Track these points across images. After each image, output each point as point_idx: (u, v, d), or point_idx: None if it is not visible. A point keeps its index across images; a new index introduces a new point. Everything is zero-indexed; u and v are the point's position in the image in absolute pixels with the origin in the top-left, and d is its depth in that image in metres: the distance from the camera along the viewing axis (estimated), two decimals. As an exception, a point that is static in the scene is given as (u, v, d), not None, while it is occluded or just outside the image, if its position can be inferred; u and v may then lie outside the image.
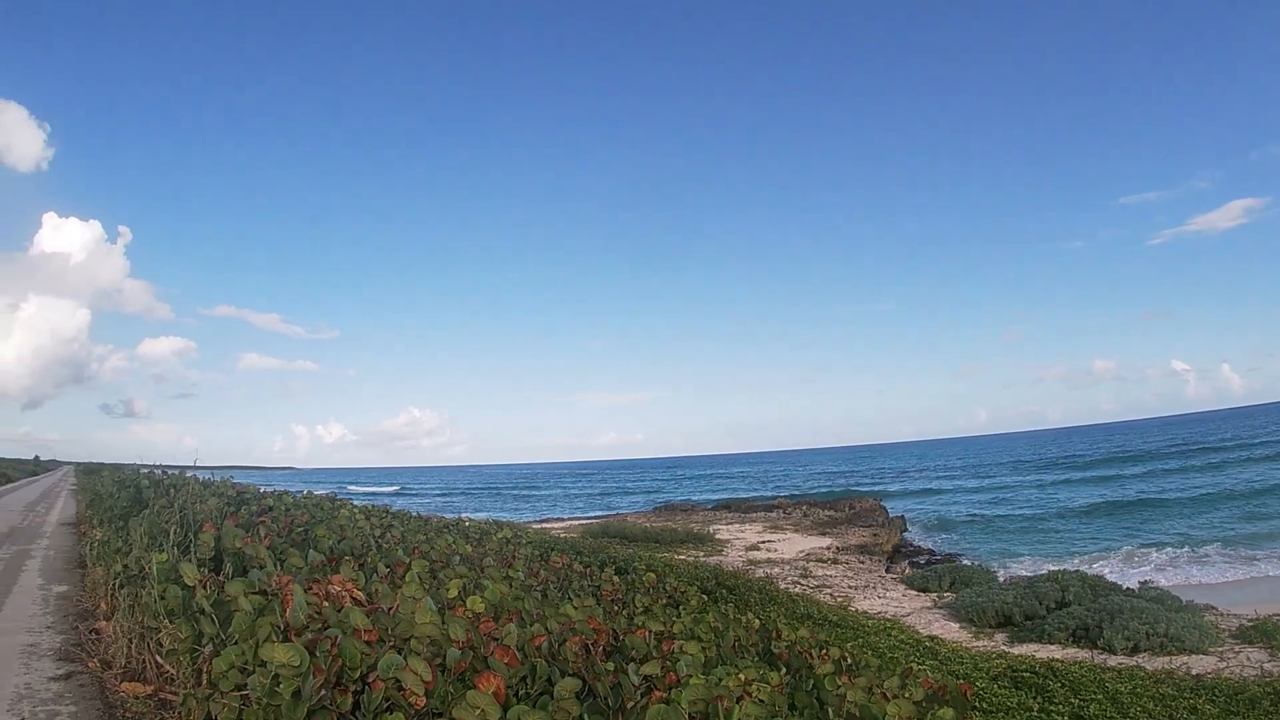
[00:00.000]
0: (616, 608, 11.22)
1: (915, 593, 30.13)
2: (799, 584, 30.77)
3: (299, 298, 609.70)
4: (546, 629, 6.31)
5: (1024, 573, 34.57)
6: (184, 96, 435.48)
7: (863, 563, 38.12)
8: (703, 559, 35.65)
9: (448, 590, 7.38)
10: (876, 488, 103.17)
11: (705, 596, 18.03)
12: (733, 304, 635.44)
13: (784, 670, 7.54)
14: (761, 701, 5.28)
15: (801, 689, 6.52)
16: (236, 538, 8.06)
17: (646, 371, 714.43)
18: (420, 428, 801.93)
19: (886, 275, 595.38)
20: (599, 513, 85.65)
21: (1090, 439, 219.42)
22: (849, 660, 9.46)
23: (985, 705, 14.37)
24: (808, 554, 40.22)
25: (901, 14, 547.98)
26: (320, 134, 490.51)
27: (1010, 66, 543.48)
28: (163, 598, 6.51)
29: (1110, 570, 35.60)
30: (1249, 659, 18.83)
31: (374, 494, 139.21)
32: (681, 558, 34.03)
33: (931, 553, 45.89)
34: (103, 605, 10.42)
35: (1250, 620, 22.12)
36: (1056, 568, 32.61)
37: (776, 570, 34.19)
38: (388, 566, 8.96)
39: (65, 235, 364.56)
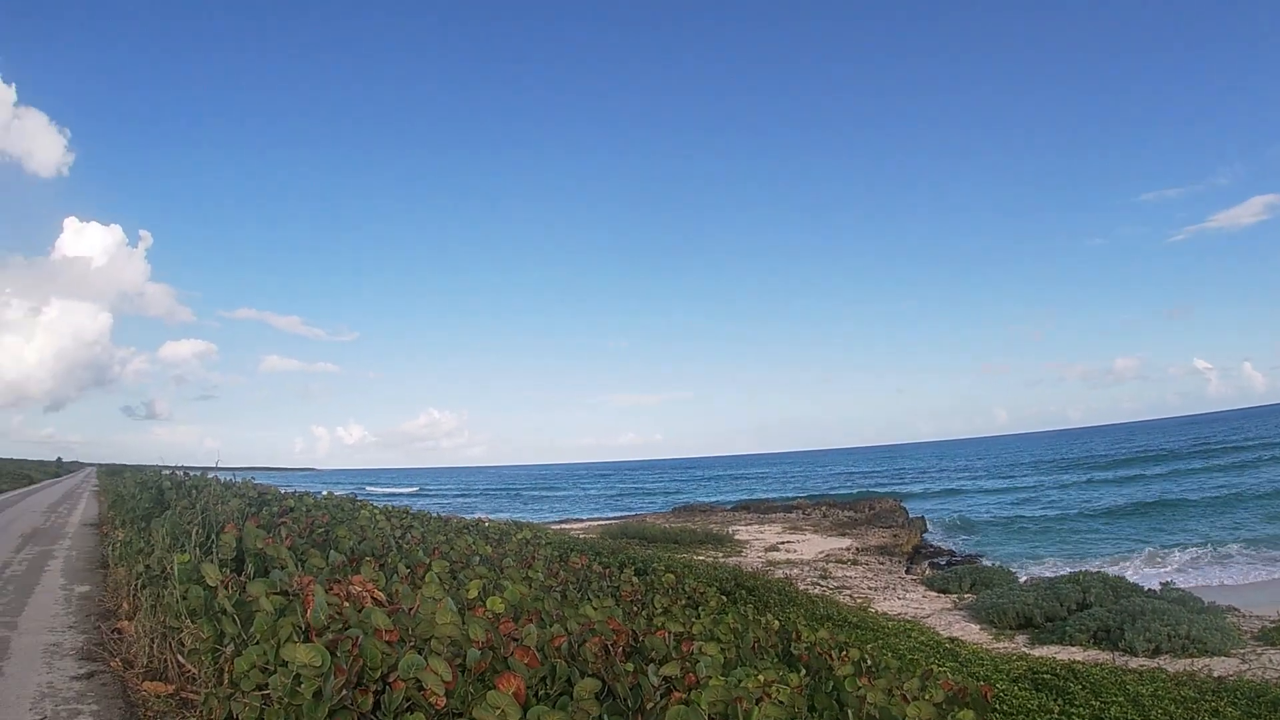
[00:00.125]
0: (636, 609, 11.21)
1: (935, 594, 30.03)
2: (818, 585, 30.70)
3: (320, 300, 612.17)
4: (566, 630, 6.32)
5: (1045, 574, 34.41)
6: (203, 101, 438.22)
7: (883, 564, 38.04)
8: (722, 560, 35.60)
9: (468, 591, 7.39)
10: (896, 488, 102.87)
11: (724, 597, 18.01)
12: (753, 304, 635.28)
13: (803, 672, 7.52)
14: (781, 703, 5.27)
15: (821, 690, 6.51)
16: (258, 538, 8.09)
17: (666, 372, 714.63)
18: (440, 429, 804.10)
19: (906, 274, 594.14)
20: (618, 513, 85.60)
21: (1111, 439, 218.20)
22: (869, 662, 9.43)
23: (1006, 707, 14.30)
24: (827, 555, 40.15)
25: (922, 12, 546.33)
26: (339, 137, 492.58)
27: (1029, 64, 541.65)
28: (185, 598, 6.54)
29: (1132, 571, 35.44)
30: (1271, 661, 18.71)
31: (393, 495, 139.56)
32: (700, 558, 33.99)
33: (952, 554, 45.71)
34: (125, 605, 10.49)
35: (1273, 622, 22.00)
36: (1078, 569, 32.47)
37: (796, 571, 34.12)
38: (408, 567, 8.98)
39: (86, 240, 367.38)
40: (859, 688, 6.50)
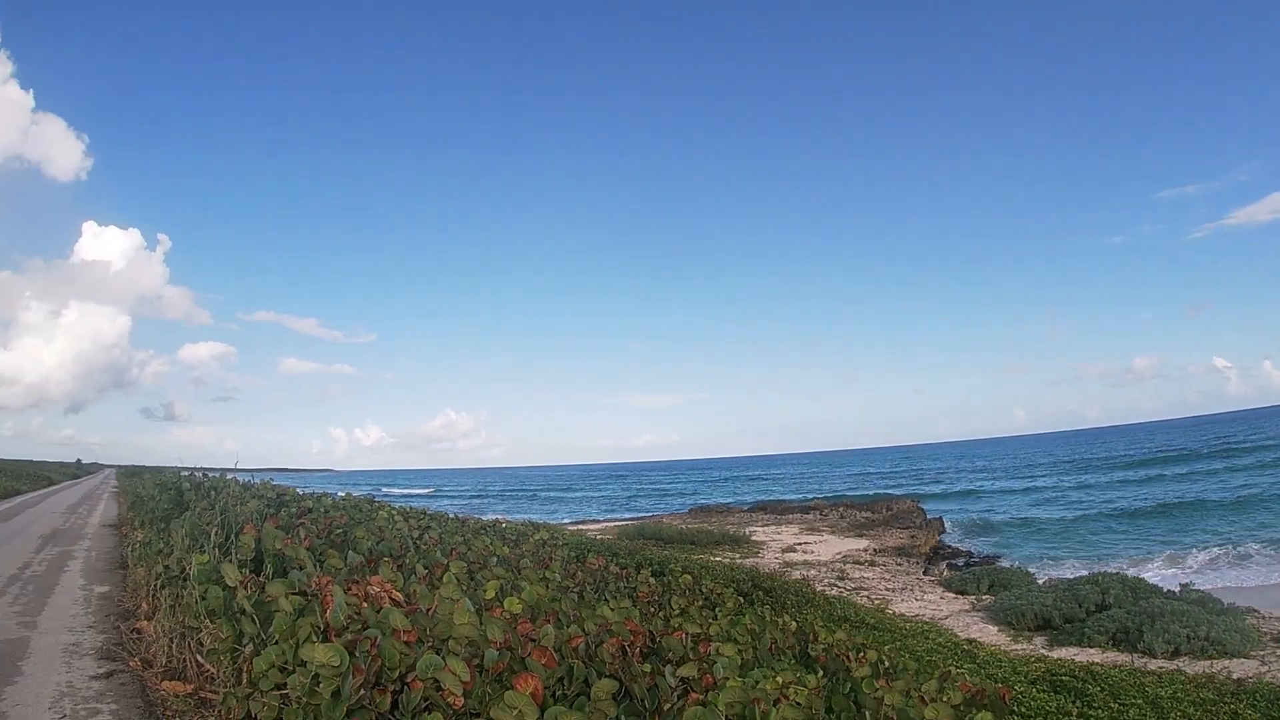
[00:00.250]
0: (653, 609, 11.23)
1: (953, 595, 29.91)
2: (836, 586, 30.62)
3: (337, 303, 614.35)
4: (583, 630, 6.32)
5: (1064, 575, 34.24)
6: (220, 105, 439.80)
7: (900, 565, 37.92)
8: (739, 561, 35.55)
9: (485, 591, 7.41)
10: (914, 489, 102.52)
11: (742, 598, 18.01)
12: (771, 305, 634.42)
13: (821, 673, 7.51)
14: (798, 704, 5.27)
15: (839, 692, 6.51)
16: (277, 539, 8.13)
17: (683, 373, 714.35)
18: (457, 430, 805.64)
19: (925, 274, 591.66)
20: (635, 514, 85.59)
21: (1131, 438, 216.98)
22: (886, 663, 9.42)
23: (1024, 709, 14.24)
24: (845, 556, 40.05)
25: (937, 11, 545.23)
26: (355, 140, 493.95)
27: (1046, 62, 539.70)
28: (204, 598, 6.57)
29: (1151, 573, 35.22)
30: (1292, 663, 18.59)
31: (409, 495, 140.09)
32: (717, 559, 33.95)
33: (970, 555, 45.54)
34: (144, 605, 10.53)
35: (1294, 624, 21.86)
36: (1096, 570, 32.29)
37: (813, 572, 34.05)
38: (426, 568, 9.00)
39: (105, 243, 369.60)
40: (876, 689, 6.50)
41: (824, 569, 35.84)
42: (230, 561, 7.15)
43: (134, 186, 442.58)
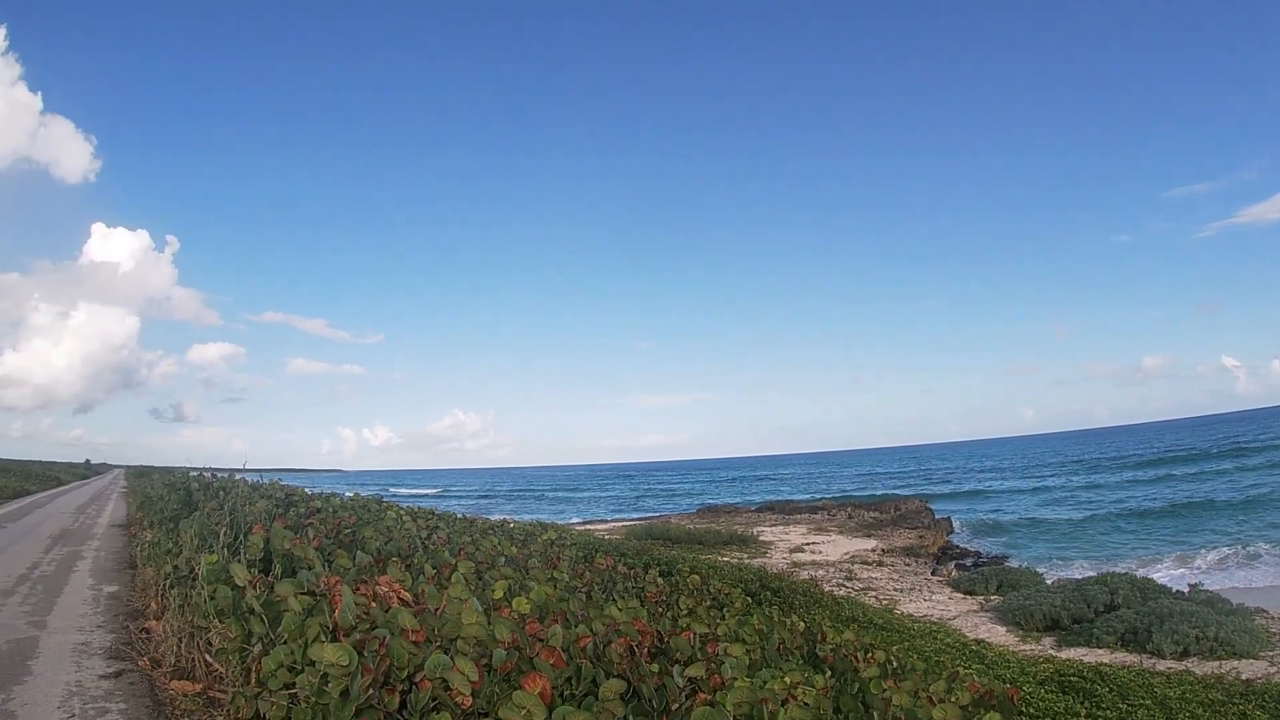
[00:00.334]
0: (661, 609, 11.23)
1: (961, 595, 29.86)
2: (844, 586, 30.59)
3: (345, 303, 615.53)
4: (591, 630, 6.33)
5: (1072, 575, 34.15)
6: (228, 107, 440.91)
7: (908, 565, 37.87)
8: (747, 561, 35.52)
9: (493, 591, 7.42)
10: (922, 489, 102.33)
11: (749, 599, 17.99)
12: (779, 305, 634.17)
13: (829, 673, 7.51)
14: (806, 705, 5.27)
15: (847, 692, 6.50)
16: (285, 539, 8.14)
17: (691, 373, 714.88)
18: (465, 430, 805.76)
19: (932, 274, 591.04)
20: (642, 514, 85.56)
21: (1139, 438, 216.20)
22: (894, 664, 9.42)
23: (1032, 710, 14.21)
24: (853, 556, 40.01)
25: (947, 11, 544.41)
26: (362, 142, 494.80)
27: (1052, 60, 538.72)
28: (213, 598, 6.59)
29: (1159, 573, 35.13)
30: (1302, 664, 18.54)
31: (417, 495, 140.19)
32: (725, 559, 33.93)
33: (978, 555, 45.40)
34: (153, 605, 10.56)
35: (1304, 624, 21.79)
36: (1105, 570, 32.22)
37: (821, 572, 34.02)
38: (434, 568, 9.02)
39: (114, 245, 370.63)
40: (884, 690, 6.50)
41: (832, 569, 35.81)
42: (239, 561, 7.17)
43: (142, 188, 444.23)
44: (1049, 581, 30.72)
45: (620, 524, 63.60)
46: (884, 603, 27.30)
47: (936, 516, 60.21)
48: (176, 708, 6.51)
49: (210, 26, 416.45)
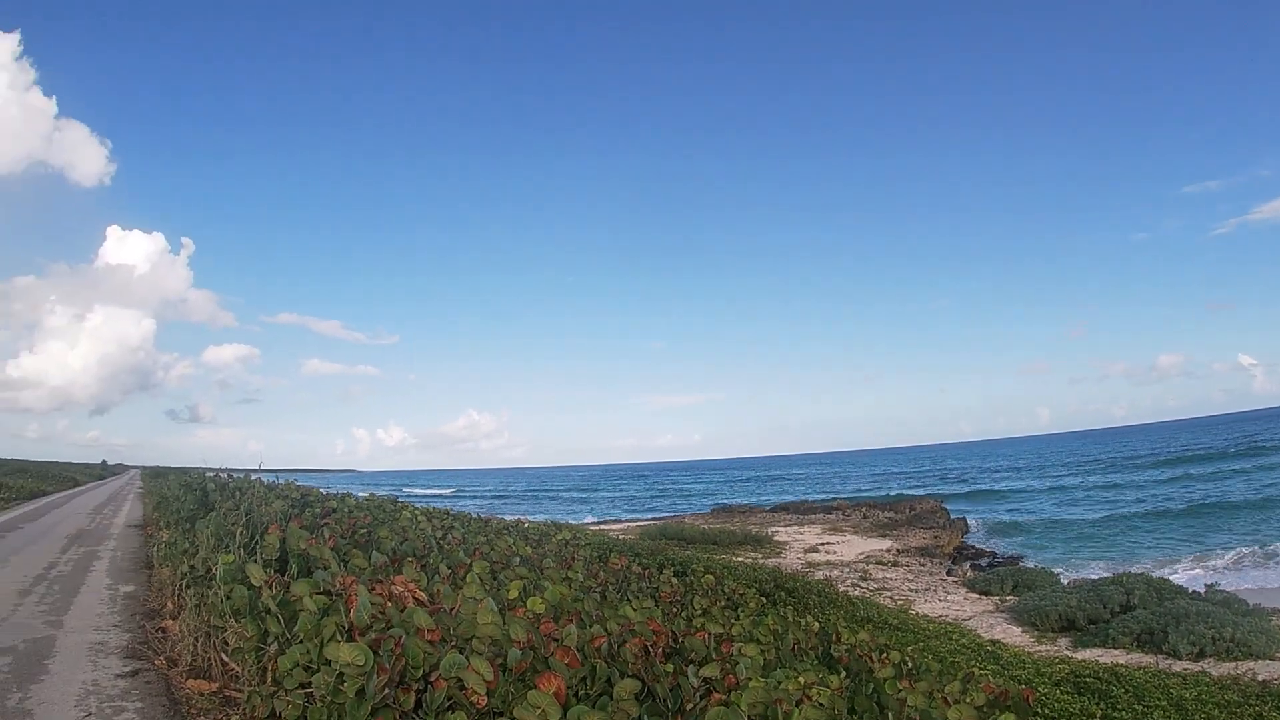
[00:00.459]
0: (675, 609, 11.24)
1: (977, 596, 29.76)
2: (858, 587, 30.53)
3: (360, 304, 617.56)
4: (606, 630, 6.33)
5: (1088, 576, 34.00)
6: (241, 109, 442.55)
7: (923, 565, 37.77)
8: (761, 561, 35.48)
9: (508, 591, 7.43)
10: (937, 489, 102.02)
11: (764, 599, 17.99)
12: (794, 305, 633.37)
13: (844, 674, 7.51)
14: (821, 705, 5.26)
15: (861, 693, 6.49)
16: (301, 539, 8.17)
17: (704, 373, 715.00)
18: (479, 430, 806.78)
19: (946, 272, 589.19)
20: (657, 514, 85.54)
21: (1156, 437, 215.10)
22: (909, 664, 9.40)
23: (1047, 711, 14.17)
24: (867, 556, 39.93)
25: (960, 9, 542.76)
26: (377, 143, 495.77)
27: (1068, 59, 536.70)
28: (229, 597, 6.62)
29: (1176, 573, 34.95)
30: (1319, 665, 18.43)
31: (431, 496, 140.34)
32: (740, 560, 33.91)
33: (994, 555, 45.20)
34: (169, 604, 10.60)
35: (1321, 625, 21.64)
36: (1121, 570, 32.09)
37: (835, 573, 33.97)
38: (449, 568, 9.04)
39: (129, 248, 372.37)
40: (900, 690, 6.49)
41: (847, 569, 35.75)
42: (255, 561, 7.19)
43: (157, 191, 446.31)
44: (1065, 582, 30.57)
45: (634, 524, 63.58)
46: (899, 603, 27.25)
47: (952, 516, 60.06)
48: (192, 706, 6.54)
49: (222, 30, 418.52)
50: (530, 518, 40.76)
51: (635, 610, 7.24)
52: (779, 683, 5.57)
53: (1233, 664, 18.56)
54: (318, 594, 5.76)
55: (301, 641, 5.20)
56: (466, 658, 4.79)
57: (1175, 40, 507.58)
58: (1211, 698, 15.42)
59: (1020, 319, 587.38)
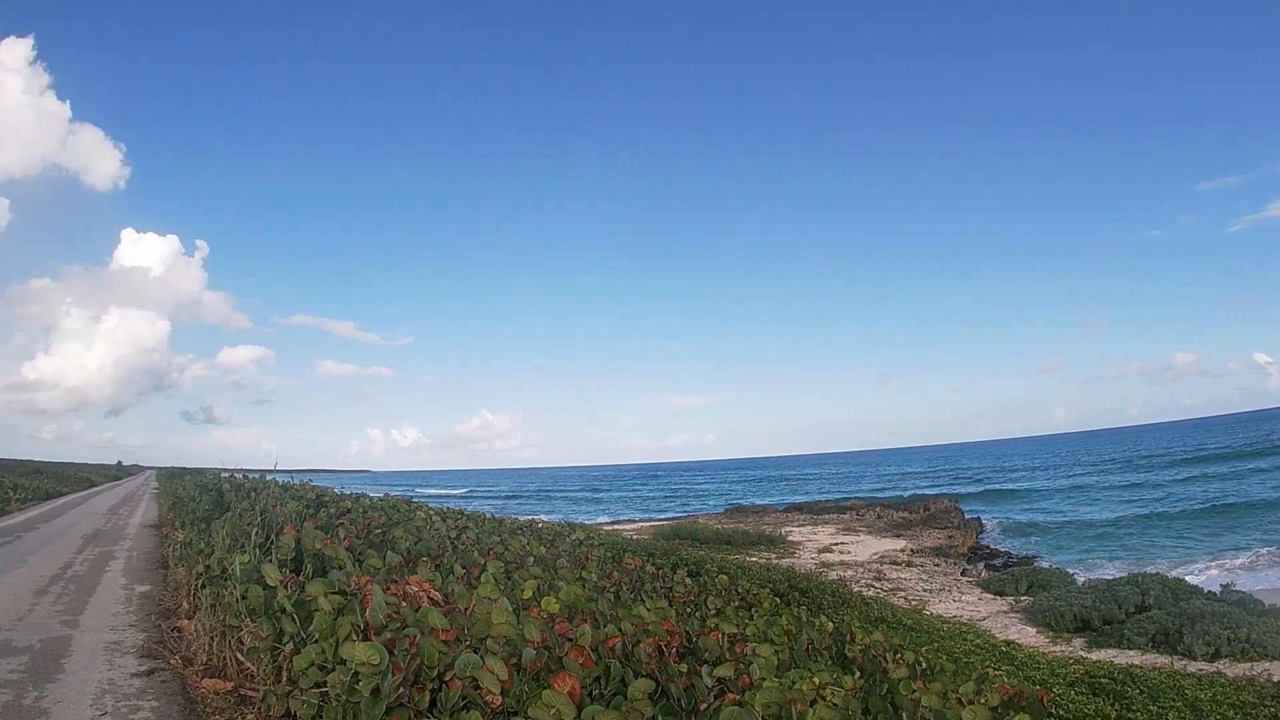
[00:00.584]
0: (689, 609, 11.24)
1: (991, 596, 29.69)
2: (873, 587, 30.49)
3: (374, 305, 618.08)
4: (620, 630, 6.34)
5: (1103, 576, 33.87)
6: (255, 112, 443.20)
7: (938, 565, 37.71)
8: (775, 561, 35.45)
9: (523, 591, 7.44)
10: (952, 489, 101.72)
11: (778, 599, 17.97)
12: (807, 305, 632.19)
13: (858, 674, 7.49)
14: (835, 705, 5.26)
15: (875, 693, 6.49)
16: (316, 539, 8.20)
17: (718, 373, 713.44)
18: (493, 430, 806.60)
19: (960, 271, 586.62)
20: (670, 514, 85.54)
21: (1172, 436, 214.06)
22: (924, 665, 9.38)
23: (1062, 712, 14.12)
24: (881, 556, 39.88)
25: (976, 7, 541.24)
26: (391, 145, 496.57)
27: (1084, 56, 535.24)
28: (244, 597, 6.64)
29: (1191, 573, 34.80)
30: (1336, 666, 18.33)
31: (443, 496, 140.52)
32: (753, 560, 33.89)
33: (1009, 555, 45.05)
34: (184, 604, 10.65)
35: (1338, 625, 21.52)
36: (1137, 570, 31.96)
37: (850, 573, 33.91)
38: (464, 567, 9.06)
39: (144, 250, 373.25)
40: (914, 691, 6.48)
41: (860, 569, 35.70)
42: (270, 561, 7.22)
43: (171, 194, 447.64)
44: (1080, 582, 30.46)
45: (648, 524, 63.58)
46: (913, 603, 27.20)
47: (966, 516, 59.96)
48: (208, 705, 6.57)
49: (235, 33, 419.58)
50: (544, 518, 40.79)
51: (649, 610, 7.25)
52: (793, 683, 5.57)
53: (1248, 664, 18.48)
54: (333, 594, 5.79)
55: (317, 641, 5.22)
56: (481, 657, 4.81)
57: (1189, 37, 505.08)
58: (1227, 699, 15.35)
59: (1035, 318, 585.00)
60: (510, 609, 5.63)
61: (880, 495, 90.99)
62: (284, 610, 5.99)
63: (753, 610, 13.07)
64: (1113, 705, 14.78)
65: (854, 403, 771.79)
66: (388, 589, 6.20)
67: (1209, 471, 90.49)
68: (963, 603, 28.29)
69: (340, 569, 7.24)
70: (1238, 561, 38.70)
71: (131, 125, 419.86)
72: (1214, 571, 36.12)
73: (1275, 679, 16.91)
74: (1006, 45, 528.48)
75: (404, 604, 5.82)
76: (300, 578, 6.74)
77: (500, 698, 4.73)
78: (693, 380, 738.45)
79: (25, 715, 6.37)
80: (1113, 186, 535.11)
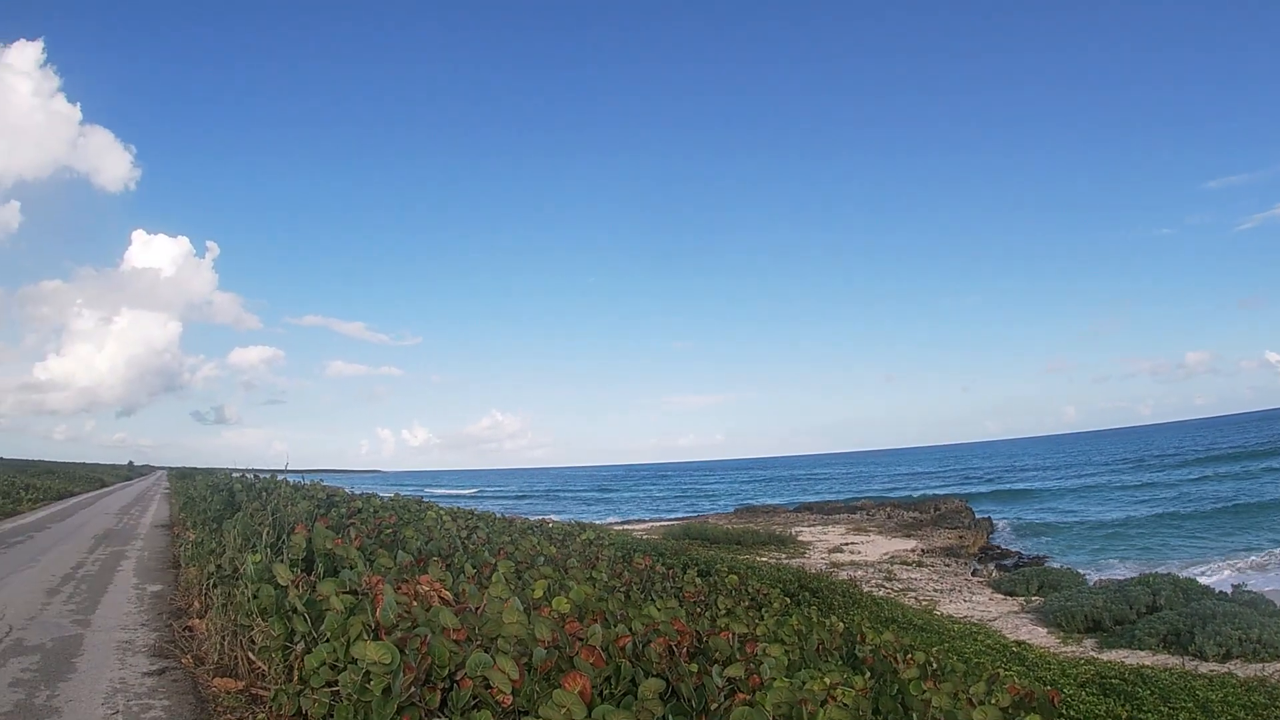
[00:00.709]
0: (699, 609, 11.24)
1: (1002, 596, 29.66)
2: (883, 587, 30.48)
3: (383, 306, 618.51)
4: (631, 630, 6.34)
5: (1114, 576, 33.77)
6: (264, 113, 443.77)
7: (948, 565, 37.67)
8: (785, 561, 35.46)
9: (533, 591, 7.45)
10: (962, 489, 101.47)
11: (788, 599, 17.98)
12: (816, 304, 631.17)
13: (868, 674, 7.49)
14: (845, 705, 5.25)
15: (886, 694, 6.48)
16: (327, 539, 8.21)
17: (727, 373, 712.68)
18: (503, 430, 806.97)
19: (970, 270, 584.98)
20: (680, 514, 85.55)
21: (1183, 436, 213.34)
22: (934, 665, 9.36)
23: (1073, 712, 14.11)
24: (892, 556, 39.85)
25: (983, 7, 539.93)
26: (401, 146, 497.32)
27: (1092, 54, 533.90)
28: (256, 597, 6.66)
29: (1203, 574, 34.68)
30: (1347, 666, 18.27)
31: (453, 496, 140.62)
32: (763, 560, 33.92)
33: (1019, 555, 44.97)
34: (196, 604, 10.68)
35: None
36: (1148, 571, 31.87)
37: (860, 573, 33.91)
38: (474, 567, 9.07)
39: (154, 251, 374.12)
40: (924, 691, 6.47)
41: (871, 569, 35.68)
42: (282, 561, 7.23)
43: (182, 195, 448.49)
44: (1091, 582, 30.40)
45: (658, 524, 63.64)
46: (924, 603, 27.19)
47: (977, 516, 59.86)
48: (219, 704, 6.58)
49: (245, 34, 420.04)
50: (554, 518, 40.80)
51: (660, 610, 7.24)
52: (803, 683, 5.57)
53: (1260, 665, 18.44)
54: (344, 593, 5.79)
55: (328, 640, 5.23)
56: (492, 657, 4.81)
57: (1196, 35, 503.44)
58: (1238, 699, 15.33)
59: (1044, 317, 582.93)
60: (521, 608, 5.64)
61: (890, 495, 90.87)
62: (295, 610, 6.00)
63: (763, 610, 13.08)
64: (1124, 706, 14.76)
65: (863, 402, 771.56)
66: (399, 588, 6.21)
67: (1221, 471, 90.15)
68: (973, 603, 28.26)
69: (351, 568, 7.25)
70: (1250, 562, 38.56)
71: (142, 127, 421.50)
72: (1226, 572, 35.99)
73: (1287, 680, 16.87)
74: (1012, 44, 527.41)
75: (415, 603, 5.82)
76: (311, 577, 6.75)
77: (511, 697, 4.73)
78: (701, 380, 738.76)
79: (38, 714, 6.40)
80: (1121, 185, 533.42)
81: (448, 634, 5.13)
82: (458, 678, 4.78)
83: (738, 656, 6.30)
